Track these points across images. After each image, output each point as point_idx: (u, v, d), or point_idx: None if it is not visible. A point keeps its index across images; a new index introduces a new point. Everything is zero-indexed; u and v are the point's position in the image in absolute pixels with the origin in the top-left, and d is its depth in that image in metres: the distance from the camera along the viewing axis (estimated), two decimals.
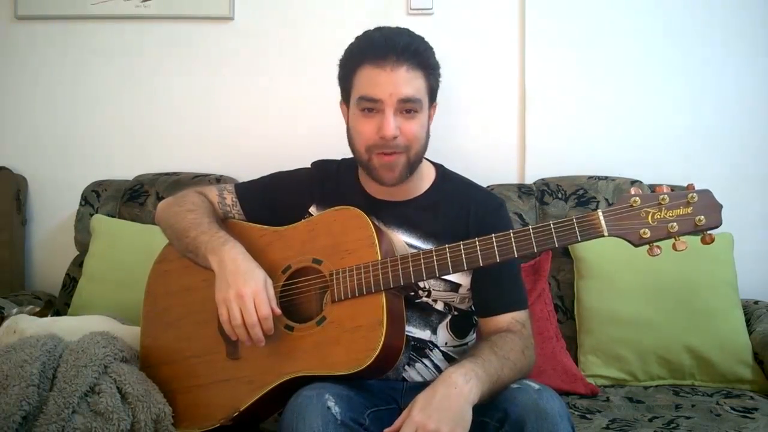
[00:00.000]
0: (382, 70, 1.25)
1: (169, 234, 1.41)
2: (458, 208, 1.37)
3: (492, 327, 1.30)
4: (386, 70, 1.24)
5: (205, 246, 1.29)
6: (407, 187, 1.37)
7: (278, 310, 1.22)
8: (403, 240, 1.34)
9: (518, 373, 1.20)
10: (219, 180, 1.99)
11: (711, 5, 1.99)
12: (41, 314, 1.59)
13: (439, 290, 1.34)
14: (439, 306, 1.35)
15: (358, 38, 1.32)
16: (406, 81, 1.25)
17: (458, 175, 1.45)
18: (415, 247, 1.34)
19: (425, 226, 1.35)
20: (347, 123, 1.36)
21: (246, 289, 1.20)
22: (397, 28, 1.31)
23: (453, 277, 1.32)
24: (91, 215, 1.99)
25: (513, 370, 1.18)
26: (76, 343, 1.31)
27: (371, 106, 1.27)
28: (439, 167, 1.45)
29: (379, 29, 1.31)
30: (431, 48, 1.32)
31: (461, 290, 1.34)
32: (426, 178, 1.41)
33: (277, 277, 1.29)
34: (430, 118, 1.36)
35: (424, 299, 1.34)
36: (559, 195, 1.92)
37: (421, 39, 1.30)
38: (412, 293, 1.32)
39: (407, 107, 1.26)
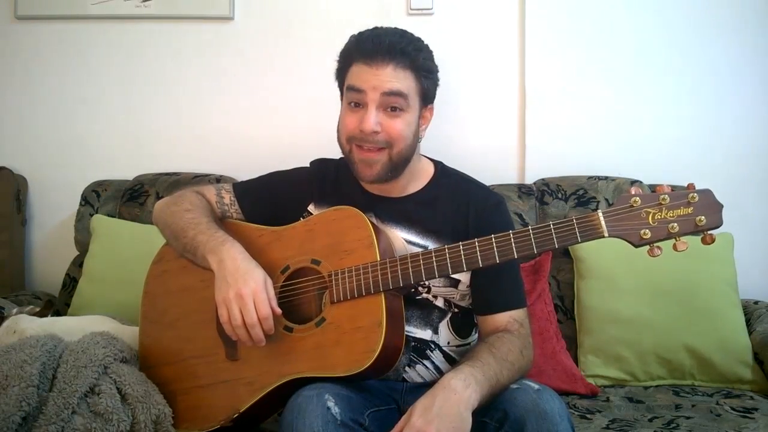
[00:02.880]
0: (369, 67, 1.27)
1: (167, 234, 1.41)
2: (457, 204, 1.37)
3: (490, 326, 1.30)
4: (373, 67, 1.26)
5: (203, 246, 1.29)
6: (406, 183, 1.38)
7: (278, 310, 1.22)
8: (402, 236, 1.34)
9: (517, 373, 1.20)
10: (219, 180, 1.99)
11: (711, 5, 1.99)
12: (41, 314, 1.59)
13: (438, 286, 1.34)
14: (440, 302, 1.35)
15: (353, 36, 1.34)
16: (392, 77, 1.26)
17: (457, 171, 1.45)
18: (414, 244, 1.34)
19: (424, 222, 1.35)
20: None
21: (246, 289, 1.20)
22: (392, 29, 1.32)
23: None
24: (91, 215, 1.99)
25: (512, 371, 1.18)
26: (76, 344, 1.31)
27: (357, 99, 1.28)
28: (438, 164, 1.45)
29: (374, 29, 1.32)
30: (426, 50, 1.32)
31: (461, 286, 1.34)
32: (425, 174, 1.41)
33: (276, 277, 1.29)
34: (423, 119, 1.36)
35: (425, 295, 1.34)
36: (559, 195, 1.92)
37: (412, 40, 1.31)
38: (413, 290, 1.32)
39: (391, 103, 1.27)
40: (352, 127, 1.29)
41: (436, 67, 1.35)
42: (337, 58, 1.36)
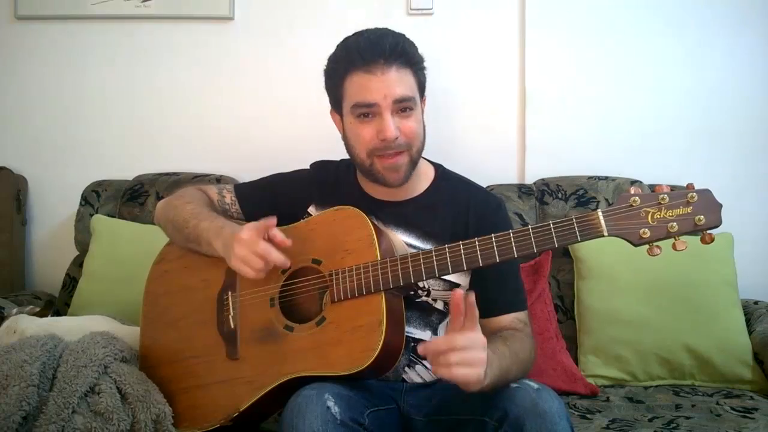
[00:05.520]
0: (373, 75, 1.25)
1: (170, 229, 1.41)
2: (457, 207, 1.37)
3: (494, 327, 1.30)
4: (377, 74, 1.25)
5: (206, 233, 1.30)
6: (406, 186, 1.37)
7: (273, 220, 1.23)
8: (403, 240, 1.34)
9: (523, 372, 1.20)
10: (219, 180, 1.99)
11: (712, 4, 1.99)
12: (41, 314, 1.59)
13: (438, 290, 1.34)
14: (439, 305, 1.35)
15: (340, 46, 1.32)
16: (398, 81, 1.26)
17: (457, 174, 1.46)
18: (414, 247, 1.34)
19: (424, 226, 1.35)
20: (341, 131, 1.37)
21: (241, 234, 1.21)
22: (377, 30, 1.31)
23: (452, 277, 1.32)
24: (91, 215, 1.99)
25: (520, 368, 1.19)
26: (76, 343, 1.31)
27: (367, 111, 1.27)
28: (438, 167, 1.45)
29: (359, 34, 1.31)
30: (414, 43, 1.32)
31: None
32: (425, 177, 1.41)
33: (277, 277, 1.29)
34: (422, 112, 1.36)
35: (424, 298, 1.34)
36: (559, 195, 1.92)
37: (403, 36, 1.31)
38: (412, 293, 1.32)
39: (402, 106, 1.27)
40: (370, 138, 1.28)
41: (423, 57, 1.34)
42: (326, 73, 1.34)
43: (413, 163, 1.32)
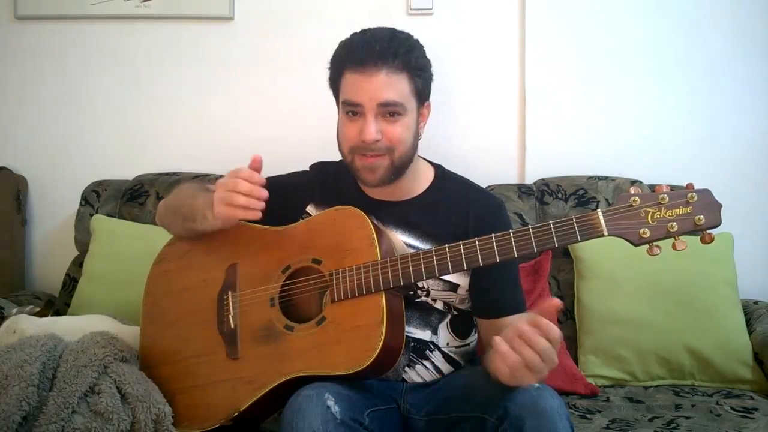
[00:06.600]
0: (362, 75, 1.25)
1: (170, 219, 1.41)
2: (457, 208, 1.37)
3: (495, 328, 1.30)
4: (365, 75, 1.25)
5: (201, 208, 1.29)
6: (406, 187, 1.37)
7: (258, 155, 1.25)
8: (402, 240, 1.34)
9: None
10: None
11: (711, 6, 1.99)
12: (41, 314, 1.60)
13: (438, 290, 1.34)
14: (439, 305, 1.35)
15: (342, 42, 1.33)
16: (387, 85, 1.25)
17: (457, 175, 1.45)
18: (413, 247, 1.34)
19: (424, 227, 1.35)
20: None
21: (219, 180, 1.24)
22: (381, 30, 1.30)
23: (451, 278, 1.32)
24: (91, 215, 1.99)
25: None
26: (76, 343, 1.31)
27: (354, 110, 1.28)
28: (438, 167, 1.45)
29: (362, 32, 1.31)
30: (418, 47, 1.31)
31: (459, 291, 1.35)
32: (424, 178, 1.41)
33: (277, 277, 1.29)
34: (422, 117, 1.35)
35: (424, 299, 1.34)
36: (559, 195, 1.92)
37: (405, 40, 1.29)
38: (412, 293, 1.32)
39: (389, 110, 1.27)
40: (353, 136, 1.29)
41: (429, 62, 1.33)
42: (328, 66, 1.35)
43: (395, 168, 1.31)
